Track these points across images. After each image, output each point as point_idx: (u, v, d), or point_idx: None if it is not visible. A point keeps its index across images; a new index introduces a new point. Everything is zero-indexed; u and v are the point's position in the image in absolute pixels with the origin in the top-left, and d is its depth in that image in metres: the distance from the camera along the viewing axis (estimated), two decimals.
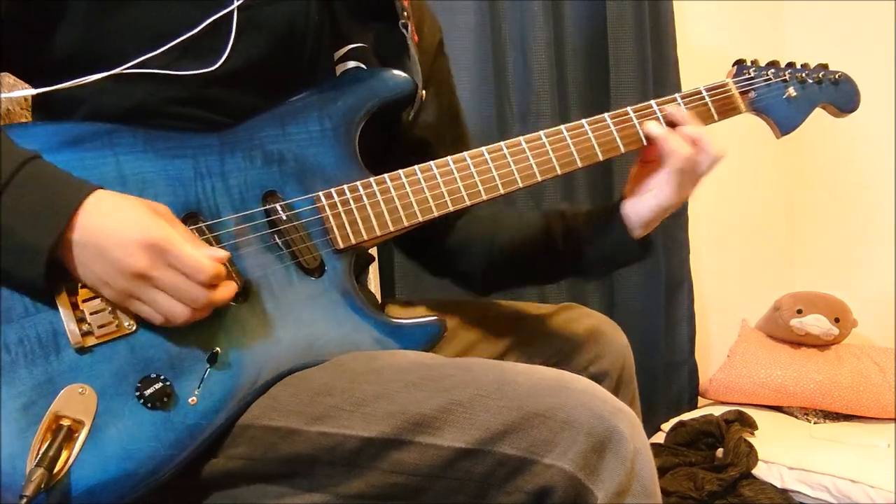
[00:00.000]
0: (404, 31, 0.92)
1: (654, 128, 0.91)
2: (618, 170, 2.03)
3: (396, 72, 0.87)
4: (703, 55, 2.31)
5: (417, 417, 0.70)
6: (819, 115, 1.04)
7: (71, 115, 0.80)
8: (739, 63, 1.01)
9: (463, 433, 0.69)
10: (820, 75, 1.02)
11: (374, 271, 1.61)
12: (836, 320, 2.15)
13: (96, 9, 0.77)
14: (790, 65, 1.03)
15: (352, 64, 0.91)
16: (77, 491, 0.68)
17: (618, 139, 0.91)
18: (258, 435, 0.74)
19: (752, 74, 1.00)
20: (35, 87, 0.78)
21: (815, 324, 2.13)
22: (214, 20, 0.78)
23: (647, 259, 0.97)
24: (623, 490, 0.66)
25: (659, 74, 2.10)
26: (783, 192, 2.57)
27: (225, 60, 0.79)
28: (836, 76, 1.03)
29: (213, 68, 0.78)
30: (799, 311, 2.16)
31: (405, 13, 0.93)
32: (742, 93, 0.98)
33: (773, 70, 1.01)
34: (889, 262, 2.34)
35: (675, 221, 2.17)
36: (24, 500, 0.63)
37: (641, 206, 0.92)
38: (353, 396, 0.73)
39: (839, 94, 1.03)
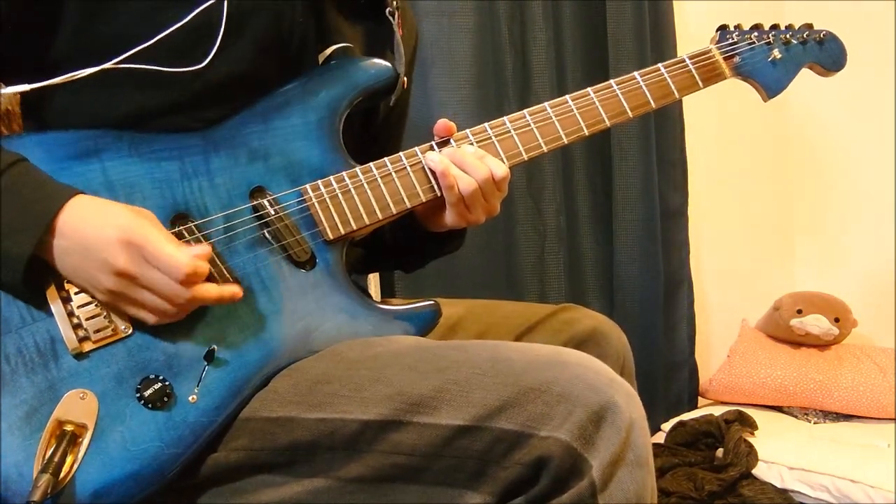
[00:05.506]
0: (391, 18, 0.92)
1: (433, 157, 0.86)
2: (618, 171, 2.03)
3: (376, 60, 0.88)
4: None
5: (414, 398, 0.71)
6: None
7: (62, 123, 0.79)
8: (722, 28, 0.99)
9: (460, 411, 0.69)
10: (804, 35, 1.01)
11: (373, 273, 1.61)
12: (836, 320, 2.15)
13: (89, 10, 0.77)
14: (774, 27, 1.02)
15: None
16: (83, 494, 0.69)
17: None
18: (258, 426, 0.75)
19: (736, 39, 0.99)
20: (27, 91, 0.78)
21: (815, 324, 2.13)
22: (201, 10, 0.78)
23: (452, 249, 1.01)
24: (617, 459, 0.67)
25: None
26: (783, 191, 2.56)
27: (212, 59, 0.79)
28: (821, 35, 1.02)
29: (200, 66, 0.78)
30: (799, 311, 2.16)
31: (394, 2, 0.93)
32: (726, 58, 0.97)
33: (756, 33, 1.00)
34: (889, 263, 2.34)
35: (675, 222, 2.17)
36: None
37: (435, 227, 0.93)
38: (351, 382, 0.74)
39: (824, 54, 1.02)
